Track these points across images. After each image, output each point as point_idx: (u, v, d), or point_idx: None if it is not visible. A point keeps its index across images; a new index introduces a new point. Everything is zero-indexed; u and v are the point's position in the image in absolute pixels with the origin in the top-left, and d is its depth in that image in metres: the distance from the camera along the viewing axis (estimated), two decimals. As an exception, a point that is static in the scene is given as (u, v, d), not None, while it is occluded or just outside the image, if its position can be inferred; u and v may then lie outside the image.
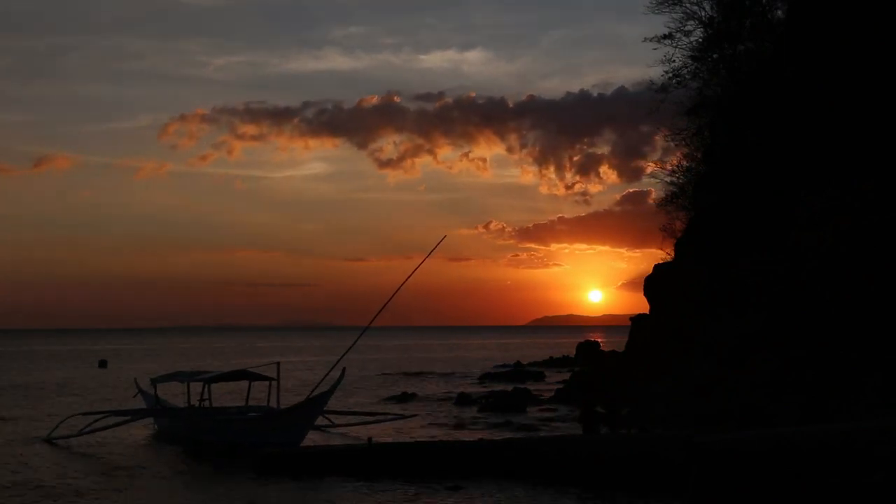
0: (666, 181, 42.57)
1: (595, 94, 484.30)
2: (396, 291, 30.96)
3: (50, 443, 30.54)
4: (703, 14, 38.40)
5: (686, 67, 38.63)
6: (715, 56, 38.39)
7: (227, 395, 43.64)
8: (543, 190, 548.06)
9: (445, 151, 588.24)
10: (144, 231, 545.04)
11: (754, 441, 16.03)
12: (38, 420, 38.12)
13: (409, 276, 30.92)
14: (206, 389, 33.01)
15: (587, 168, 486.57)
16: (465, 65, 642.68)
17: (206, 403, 33.24)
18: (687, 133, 40.30)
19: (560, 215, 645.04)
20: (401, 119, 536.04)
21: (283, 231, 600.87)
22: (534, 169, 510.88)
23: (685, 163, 41.89)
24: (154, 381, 34.42)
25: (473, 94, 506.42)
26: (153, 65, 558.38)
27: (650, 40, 39.07)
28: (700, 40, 38.47)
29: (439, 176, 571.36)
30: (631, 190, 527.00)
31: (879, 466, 14.30)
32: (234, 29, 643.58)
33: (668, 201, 42.12)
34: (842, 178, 27.99)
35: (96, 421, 31.19)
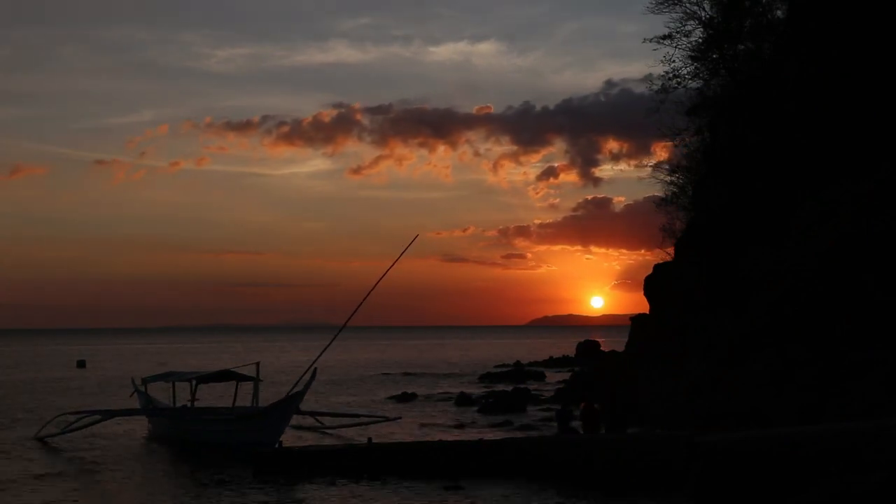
0: (666, 181, 42.60)
1: (539, 108, 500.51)
2: (370, 291, 31.44)
3: (39, 441, 30.55)
4: (703, 14, 38.38)
5: (686, 67, 38.63)
6: (715, 56, 38.34)
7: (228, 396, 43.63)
8: (513, 195, 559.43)
9: (439, 155, 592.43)
10: (136, 231, 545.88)
11: (754, 441, 16.03)
12: (23, 419, 38.14)
13: (381, 277, 31.51)
14: (194, 389, 33.02)
15: (548, 174, 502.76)
16: (476, 57, 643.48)
17: (198, 403, 33.39)
18: (687, 133, 40.30)
19: (536, 218, 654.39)
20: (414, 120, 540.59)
21: (272, 231, 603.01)
22: (500, 175, 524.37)
23: (685, 163, 41.91)
24: (145, 381, 34.51)
25: (427, 107, 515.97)
26: (153, 58, 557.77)
27: (650, 41, 39.06)
28: (700, 40, 38.43)
29: (421, 180, 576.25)
30: (598, 195, 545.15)
31: (879, 466, 14.30)
32: (236, 21, 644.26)
33: (667, 201, 42.14)
34: (842, 178, 27.99)
35: (82, 418, 31.23)
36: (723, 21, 37.91)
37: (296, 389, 29.29)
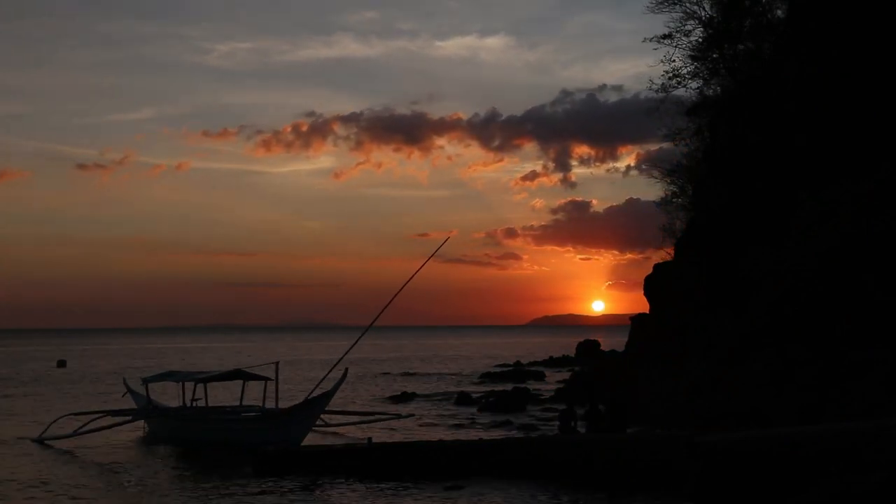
0: (666, 181, 42.62)
1: (504, 116, 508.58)
2: (398, 292, 30.78)
3: (41, 443, 30.16)
4: (703, 14, 38.39)
5: (686, 67, 38.64)
6: (715, 56, 38.35)
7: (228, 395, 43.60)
8: (499, 197, 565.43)
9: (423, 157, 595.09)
10: (134, 231, 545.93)
11: (754, 441, 16.02)
12: (16, 420, 38.09)
13: (411, 277, 30.77)
14: (197, 389, 32.78)
15: (528, 178, 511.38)
16: (484, 52, 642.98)
17: (201, 403, 33.04)
18: (687, 133, 40.31)
19: (520, 221, 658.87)
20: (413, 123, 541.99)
21: (269, 231, 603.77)
22: (483, 178, 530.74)
23: (685, 162, 41.92)
24: (145, 381, 33.99)
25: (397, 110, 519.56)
26: (153, 53, 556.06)
27: (650, 40, 39.08)
28: (700, 40, 38.44)
29: (408, 182, 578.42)
30: (576, 198, 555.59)
31: (879, 466, 14.31)
32: (237, 15, 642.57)
33: (667, 201, 42.16)
34: (842, 178, 27.98)
35: (90, 422, 30.87)
36: (723, 21, 37.91)
37: (324, 390, 28.73)
